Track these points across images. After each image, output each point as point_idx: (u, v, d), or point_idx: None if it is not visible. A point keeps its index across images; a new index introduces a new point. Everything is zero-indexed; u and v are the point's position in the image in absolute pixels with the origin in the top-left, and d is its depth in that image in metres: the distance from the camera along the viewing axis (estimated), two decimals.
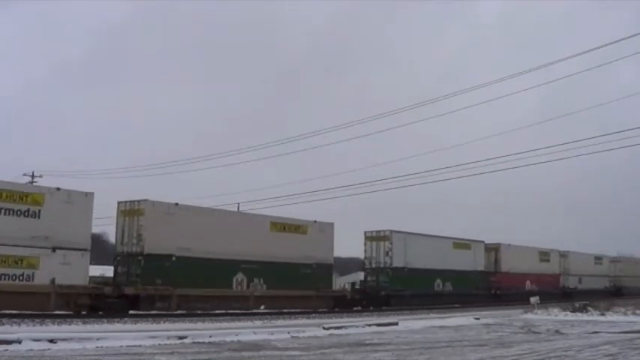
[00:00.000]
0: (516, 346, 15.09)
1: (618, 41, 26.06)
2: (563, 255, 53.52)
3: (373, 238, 36.23)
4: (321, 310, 29.13)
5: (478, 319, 24.98)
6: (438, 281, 39.40)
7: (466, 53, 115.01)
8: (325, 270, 32.15)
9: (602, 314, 27.96)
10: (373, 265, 36.01)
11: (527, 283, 47.28)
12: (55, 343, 12.93)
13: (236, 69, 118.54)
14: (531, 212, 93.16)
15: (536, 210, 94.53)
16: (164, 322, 20.37)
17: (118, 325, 18.30)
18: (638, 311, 27.68)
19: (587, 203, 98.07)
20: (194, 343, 14.38)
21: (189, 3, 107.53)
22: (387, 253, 35.54)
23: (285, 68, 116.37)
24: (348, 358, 12.26)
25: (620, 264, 62.91)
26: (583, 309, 29.74)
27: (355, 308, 32.14)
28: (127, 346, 13.16)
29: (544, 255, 51.06)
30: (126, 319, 20.48)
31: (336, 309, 30.75)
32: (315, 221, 31.59)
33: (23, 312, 19.44)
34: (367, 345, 14.86)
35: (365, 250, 36.52)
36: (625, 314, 27.66)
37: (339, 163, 61.90)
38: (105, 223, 26.51)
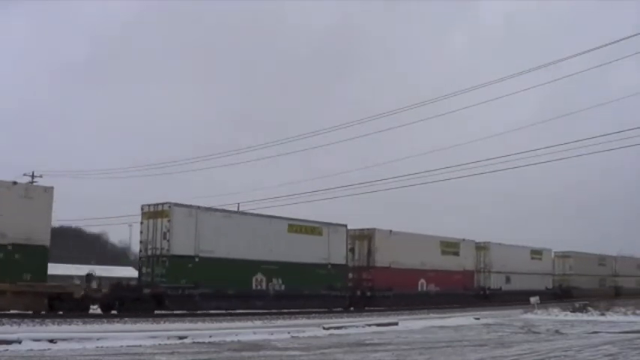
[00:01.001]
0: (516, 346, 15.10)
1: (618, 41, 26.03)
2: (483, 247, 43.34)
3: (150, 214, 25.75)
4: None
5: (478, 319, 25.01)
6: (259, 277, 27.91)
7: (470, 55, 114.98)
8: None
9: (602, 314, 27.99)
10: (149, 253, 25.56)
11: (422, 282, 36.88)
12: (55, 343, 12.94)
13: (237, 70, 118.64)
14: (532, 213, 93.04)
15: (537, 211, 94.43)
16: (164, 322, 20.38)
17: (118, 325, 18.31)
18: (638, 311, 27.70)
19: (587, 203, 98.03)
20: (194, 343, 14.39)
21: (190, 4, 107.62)
22: (164, 236, 25.14)
23: (287, 69, 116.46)
24: (348, 358, 12.26)
25: (571, 260, 53.76)
26: (583, 309, 29.78)
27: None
28: (127, 346, 13.16)
29: (449, 246, 39.65)
30: (126, 319, 20.50)
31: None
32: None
33: (23, 312, 19.49)
34: (367, 345, 14.87)
35: (140, 232, 26.00)
36: (625, 314, 27.68)
37: (339, 163, 61.85)
38: (105, 223, 26.34)
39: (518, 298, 38.87)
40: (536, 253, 49.41)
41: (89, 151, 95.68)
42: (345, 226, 32.64)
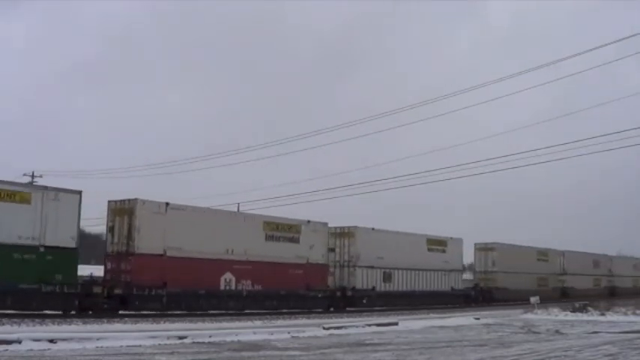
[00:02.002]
0: (516, 346, 15.11)
1: (618, 41, 26.04)
2: (346, 233, 32.37)
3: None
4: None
5: (478, 319, 25.03)
6: (228, 276, 26.52)
7: (474, 55, 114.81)
8: None
9: (602, 314, 28.00)
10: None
11: (226, 277, 26.49)
12: (55, 343, 12.95)
13: (237, 70, 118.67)
14: (532, 213, 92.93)
15: (537, 211, 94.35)
16: (164, 322, 20.37)
17: (117, 325, 18.31)
18: (638, 311, 27.72)
19: (587, 203, 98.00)
20: (194, 343, 14.40)
21: (190, 4, 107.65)
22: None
23: (287, 69, 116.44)
24: (348, 358, 12.27)
25: (495, 253, 43.28)
26: (583, 309, 29.78)
27: None
28: (127, 346, 13.17)
29: (280, 229, 28.95)
30: (126, 319, 20.49)
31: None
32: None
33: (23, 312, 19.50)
34: (367, 345, 14.87)
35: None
36: (625, 314, 27.70)
37: (339, 163, 61.83)
38: (105, 223, 26.25)
39: (400, 303, 33.18)
40: (438, 244, 37.97)
41: (89, 151, 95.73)
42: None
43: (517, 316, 28.07)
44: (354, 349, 13.80)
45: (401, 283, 34.85)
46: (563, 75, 31.56)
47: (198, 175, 78.53)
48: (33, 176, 45.67)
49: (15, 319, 17.97)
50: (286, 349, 13.77)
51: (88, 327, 17.36)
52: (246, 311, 26.07)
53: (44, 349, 12.25)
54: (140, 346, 13.39)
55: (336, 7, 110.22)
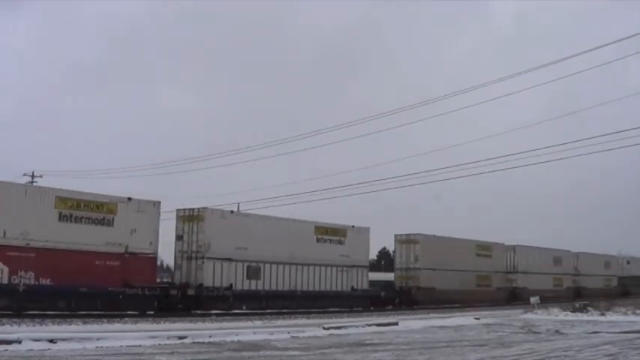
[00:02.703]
0: (516, 346, 15.11)
1: (618, 41, 26.01)
2: (195, 217, 26.58)
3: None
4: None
5: (478, 319, 25.03)
6: None
7: (477, 55, 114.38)
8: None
9: (602, 314, 28.00)
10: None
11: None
12: (55, 343, 12.96)
13: (237, 70, 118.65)
14: (532, 213, 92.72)
15: (537, 211, 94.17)
16: (164, 322, 20.38)
17: (118, 325, 18.31)
18: (638, 311, 27.72)
19: (587, 204, 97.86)
20: (194, 343, 14.40)
21: (190, 4, 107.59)
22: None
23: (287, 69, 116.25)
24: (348, 358, 12.27)
25: (418, 246, 36.33)
26: (583, 309, 29.80)
27: None
28: (127, 346, 13.17)
29: (84, 207, 23.01)
30: (126, 319, 20.49)
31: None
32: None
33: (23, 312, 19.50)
34: (367, 345, 14.88)
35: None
36: (625, 314, 27.70)
37: (339, 164, 61.66)
38: None
39: (274, 306, 27.52)
40: (332, 233, 31.91)
41: (89, 151, 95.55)
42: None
43: (517, 316, 28.11)
44: (354, 349, 13.80)
45: (274, 280, 28.72)
46: (563, 75, 31.44)
47: (198, 175, 78.42)
48: (33, 176, 45.65)
49: (15, 319, 17.99)
50: (286, 349, 13.78)
51: (88, 327, 17.37)
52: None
53: (44, 349, 12.26)
54: (140, 346, 13.40)
55: (339, 7, 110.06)
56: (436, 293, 35.90)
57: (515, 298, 40.93)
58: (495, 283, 42.09)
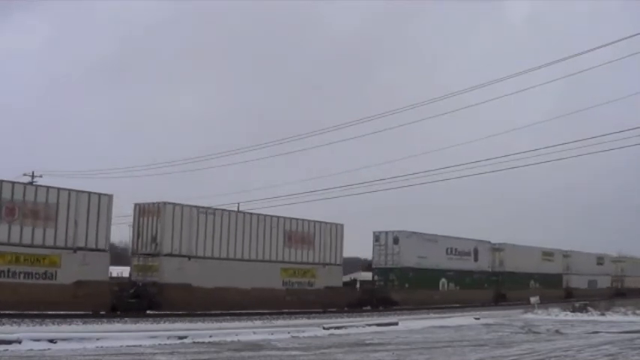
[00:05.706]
0: (516, 346, 15.11)
1: (619, 41, 25.95)
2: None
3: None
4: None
5: (478, 319, 25.03)
6: None
7: (494, 54, 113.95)
8: None
9: (602, 314, 28.03)
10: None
11: None
12: (55, 343, 12.94)
13: (237, 70, 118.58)
14: (532, 213, 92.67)
15: (537, 211, 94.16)
16: (164, 322, 20.37)
17: (118, 325, 18.30)
18: (638, 311, 27.74)
19: (587, 203, 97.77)
20: (194, 343, 14.39)
21: (190, 4, 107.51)
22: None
23: (287, 68, 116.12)
24: (348, 358, 12.27)
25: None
26: (583, 309, 29.81)
27: None
28: (127, 346, 13.17)
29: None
30: (126, 319, 20.48)
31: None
32: None
33: (23, 312, 19.48)
34: (367, 345, 14.87)
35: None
36: (625, 314, 27.73)
37: (339, 163, 61.59)
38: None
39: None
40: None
41: (89, 151, 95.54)
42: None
43: (517, 316, 28.10)
44: (354, 349, 13.79)
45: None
46: (563, 75, 31.38)
47: (198, 175, 78.36)
48: (33, 176, 45.62)
49: (15, 319, 17.97)
50: (286, 349, 13.77)
51: (88, 327, 17.36)
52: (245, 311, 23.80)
53: (44, 349, 12.25)
54: (140, 346, 13.39)
55: (344, 9, 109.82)
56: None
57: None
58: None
